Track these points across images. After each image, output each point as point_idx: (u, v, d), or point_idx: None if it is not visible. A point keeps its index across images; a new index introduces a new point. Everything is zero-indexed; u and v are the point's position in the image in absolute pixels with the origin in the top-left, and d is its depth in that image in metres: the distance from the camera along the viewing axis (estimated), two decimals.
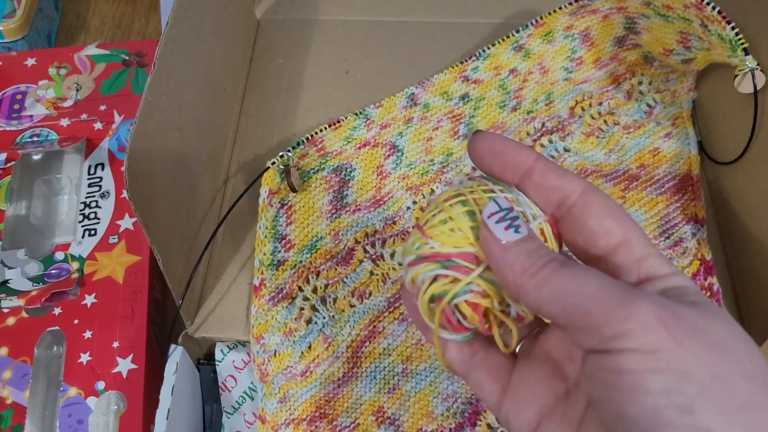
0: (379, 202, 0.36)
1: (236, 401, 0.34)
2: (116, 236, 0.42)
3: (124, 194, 0.43)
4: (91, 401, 0.37)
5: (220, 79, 0.39)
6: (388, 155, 0.37)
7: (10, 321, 0.39)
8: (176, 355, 0.32)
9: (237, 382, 0.34)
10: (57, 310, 0.39)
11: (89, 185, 0.44)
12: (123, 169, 0.27)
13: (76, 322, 0.39)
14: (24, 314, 0.40)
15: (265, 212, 0.35)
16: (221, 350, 0.34)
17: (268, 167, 0.35)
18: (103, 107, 0.47)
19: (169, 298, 0.44)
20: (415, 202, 0.36)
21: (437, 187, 0.36)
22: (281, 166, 0.35)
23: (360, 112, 0.38)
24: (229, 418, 0.34)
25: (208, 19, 0.37)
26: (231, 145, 0.40)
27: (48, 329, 0.39)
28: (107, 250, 0.42)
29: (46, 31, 0.54)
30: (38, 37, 0.52)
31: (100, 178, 0.44)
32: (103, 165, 0.45)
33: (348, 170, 0.37)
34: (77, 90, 0.48)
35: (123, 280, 0.40)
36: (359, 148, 0.37)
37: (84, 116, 0.47)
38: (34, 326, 0.39)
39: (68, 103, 0.47)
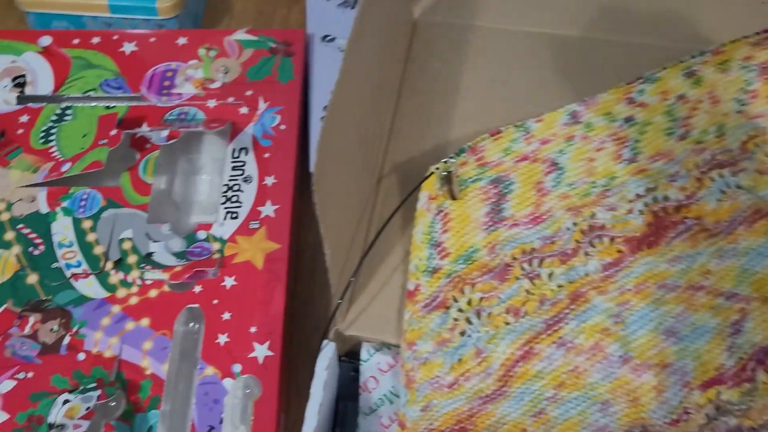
0: (537, 220, 0.35)
1: (375, 403, 0.34)
2: (257, 222, 0.42)
3: (266, 181, 0.44)
4: (227, 383, 0.37)
5: (380, 77, 0.39)
6: (548, 172, 0.36)
7: (153, 293, 0.40)
8: (328, 350, 0.33)
9: (378, 384, 0.34)
10: (197, 288, 0.40)
11: (233, 168, 0.45)
12: (312, 166, 0.27)
13: (215, 302, 0.40)
14: (166, 288, 0.40)
15: (423, 217, 0.35)
16: (367, 350, 0.34)
17: (432, 173, 0.35)
18: (249, 92, 0.48)
19: (300, 287, 0.45)
20: (575, 224, 0.35)
21: (599, 211, 0.36)
22: (443, 173, 0.35)
23: (520, 125, 0.37)
24: (365, 418, 0.34)
25: (380, 20, 0.37)
26: (385, 145, 0.40)
27: (188, 306, 0.40)
28: (248, 235, 0.42)
29: (195, 12, 0.55)
30: (187, 17, 0.53)
31: (244, 162, 0.45)
32: (246, 150, 0.45)
33: (506, 183, 0.36)
34: (225, 73, 0.49)
35: (262, 267, 0.41)
36: (518, 161, 0.37)
37: (230, 99, 0.47)
38: (176, 301, 0.40)
39: (216, 85, 0.48)
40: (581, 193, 0.36)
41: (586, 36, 0.43)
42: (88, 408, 0.37)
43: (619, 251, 0.34)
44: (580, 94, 0.41)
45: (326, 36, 0.52)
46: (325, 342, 0.33)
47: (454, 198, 0.35)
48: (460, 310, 0.33)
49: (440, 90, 0.41)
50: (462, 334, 0.33)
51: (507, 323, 0.33)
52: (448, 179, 0.35)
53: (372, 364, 0.34)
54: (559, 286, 0.33)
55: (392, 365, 0.34)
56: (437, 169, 0.35)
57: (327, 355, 0.32)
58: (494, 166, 0.36)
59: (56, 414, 0.37)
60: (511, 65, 0.42)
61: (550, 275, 0.34)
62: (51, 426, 0.36)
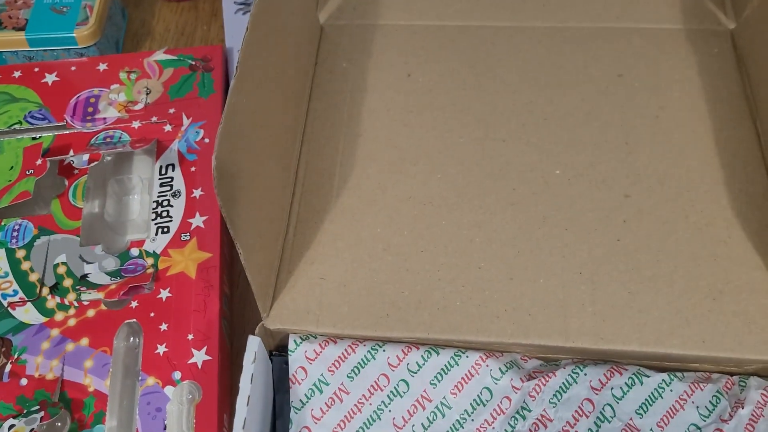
0: None
1: (305, 395, 0.35)
2: (188, 234, 0.44)
3: (194, 193, 0.45)
4: (169, 390, 0.39)
5: (289, 82, 0.40)
6: None
7: (90, 313, 0.41)
8: (253, 345, 0.34)
9: (307, 373, 0.36)
10: (134, 304, 0.41)
11: (161, 185, 0.46)
12: (212, 168, 0.28)
13: (152, 315, 0.41)
14: (103, 307, 0.42)
15: None
16: (294, 340, 0.36)
17: None
18: (171, 110, 0.49)
19: (236, 292, 0.46)
20: None
21: None
22: None
23: None
24: (296, 413, 0.36)
25: (279, 25, 0.38)
26: (299, 146, 0.41)
27: (126, 321, 0.41)
28: (180, 247, 0.43)
29: (115, 38, 0.56)
30: (107, 44, 0.55)
31: (171, 178, 0.46)
32: (173, 166, 0.47)
33: None
34: (147, 94, 0.50)
35: (195, 276, 0.42)
36: None
37: (154, 119, 0.49)
38: (113, 318, 0.41)
39: (139, 107, 0.49)
40: None
41: (480, 24, 0.45)
42: (32, 429, 0.37)
43: None
44: (480, 80, 0.43)
45: None
46: (250, 338, 0.34)
47: None
48: None
49: (349, 89, 0.43)
50: None
51: None
52: None
53: (300, 353, 0.36)
54: None
55: (319, 353, 0.35)
56: None
57: (252, 350, 0.34)
58: None
59: None
60: (413, 59, 0.44)
61: None
62: None
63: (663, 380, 0.33)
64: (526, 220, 0.38)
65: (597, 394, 0.34)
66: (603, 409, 0.34)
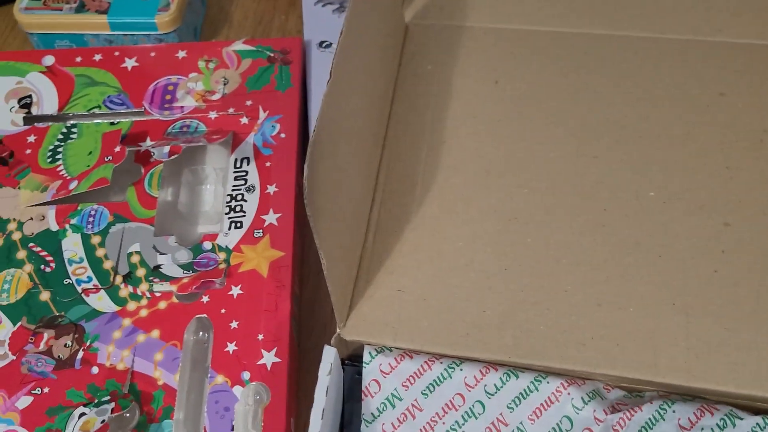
0: None
1: (377, 408, 0.35)
2: (261, 230, 0.43)
3: (269, 189, 0.45)
4: (237, 390, 0.38)
5: (375, 85, 0.39)
6: None
7: (162, 305, 0.41)
8: (329, 356, 0.33)
9: (380, 387, 0.35)
10: (205, 299, 0.41)
11: (235, 178, 0.45)
12: (304, 179, 0.28)
13: (222, 311, 0.41)
14: (174, 300, 0.41)
15: None
16: (369, 353, 0.35)
17: None
18: (248, 102, 0.48)
19: (306, 293, 0.45)
20: None
21: None
22: None
23: None
24: (367, 426, 0.35)
25: (369, 26, 0.37)
26: (380, 152, 0.40)
27: (197, 316, 0.41)
28: (252, 244, 0.43)
29: (194, 25, 0.56)
30: (186, 30, 0.54)
31: (246, 172, 0.46)
32: (248, 159, 0.46)
33: None
34: (224, 84, 0.49)
35: (267, 274, 0.42)
36: None
37: (231, 110, 0.48)
38: (184, 312, 0.41)
39: (216, 97, 0.49)
40: None
41: (573, 31, 0.43)
42: (103, 421, 0.38)
43: None
44: (572, 89, 0.41)
45: (323, 42, 0.52)
46: (326, 348, 0.34)
47: None
48: None
49: (433, 93, 0.42)
50: None
51: None
52: None
53: (374, 366, 0.35)
54: None
55: (394, 367, 0.35)
56: None
57: (328, 361, 0.33)
58: None
59: (73, 427, 0.38)
60: (501, 65, 0.42)
61: None
62: None
63: (757, 423, 0.32)
64: (616, 243, 0.36)
65: None
66: None
